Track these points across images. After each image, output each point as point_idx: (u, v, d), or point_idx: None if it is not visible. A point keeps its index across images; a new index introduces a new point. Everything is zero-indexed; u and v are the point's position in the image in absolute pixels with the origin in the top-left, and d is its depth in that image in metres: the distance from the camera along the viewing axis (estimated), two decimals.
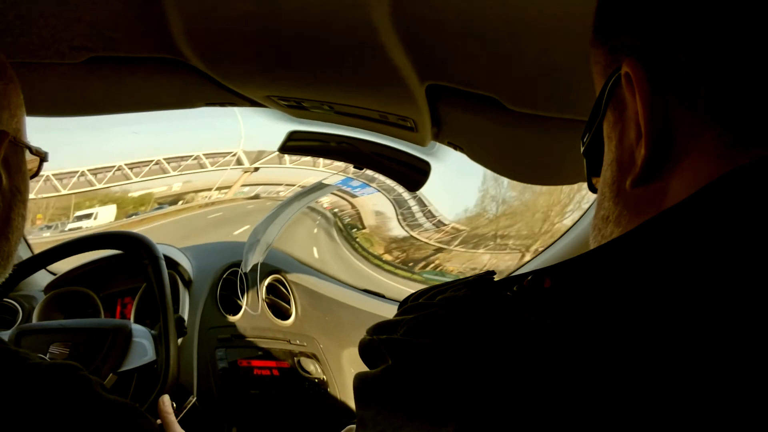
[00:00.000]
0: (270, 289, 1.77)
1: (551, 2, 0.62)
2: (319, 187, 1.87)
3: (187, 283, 1.60)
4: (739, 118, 0.32)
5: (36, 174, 0.65)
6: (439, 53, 0.79)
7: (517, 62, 0.76)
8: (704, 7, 0.32)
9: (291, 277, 1.83)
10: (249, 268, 1.70)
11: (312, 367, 1.61)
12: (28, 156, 0.62)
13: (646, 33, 0.35)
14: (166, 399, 1.05)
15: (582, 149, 0.46)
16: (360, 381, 0.38)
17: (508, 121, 0.95)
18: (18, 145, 0.59)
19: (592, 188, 0.45)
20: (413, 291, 0.50)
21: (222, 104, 1.17)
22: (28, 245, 1.62)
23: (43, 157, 0.65)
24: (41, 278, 1.61)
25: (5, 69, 0.58)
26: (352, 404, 1.61)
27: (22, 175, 0.61)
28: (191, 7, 0.77)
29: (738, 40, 0.32)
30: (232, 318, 1.60)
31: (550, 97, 0.85)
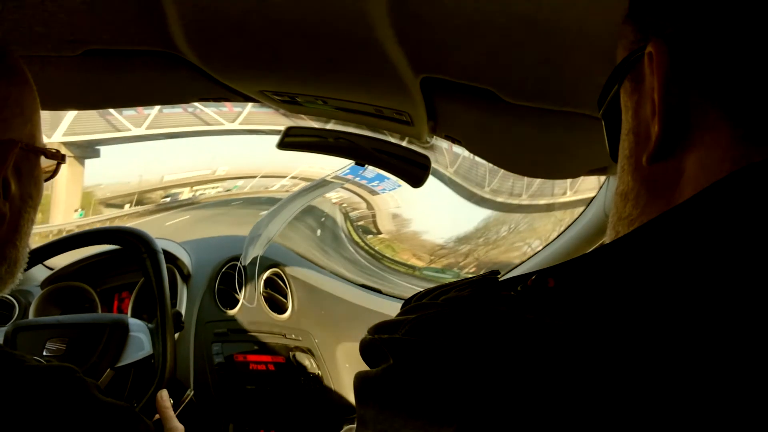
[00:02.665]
0: (268, 283, 1.77)
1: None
2: (325, 183, 1.86)
3: (186, 278, 1.61)
4: (753, 115, 0.32)
5: (53, 176, 0.65)
6: (434, 45, 0.78)
7: (515, 54, 0.76)
8: (732, 7, 0.33)
9: (289, 270, 1.84)
10: (248, 261, 1.70)
11: (307, 362, 1.62)
12: (44, 159, 0.62)
13: (676, 21, 0.36)
14: (164, 393, 1.05)
15: (600, 111, 0.47)
16: (361, 380, 0.38)
17: (506, 114, 0.94)
18: (31, 151, 0.59)
19: (614, 156, 0.45)
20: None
21: (216, 99, 1.16)
22: None
23: (60, 160, 0.64)
24: (38, 273, 1.60)
25: (20, 73, 0.58)
26: (347, 399, 1.63)
27: (34, 180, 0.60)
28: (187, 1, 0.76)
29: (761, 41, 0.32)
30: (229, 312, 1.61)
31: (548, 90, 0.85)
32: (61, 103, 1.14)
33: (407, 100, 0.97)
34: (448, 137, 1.20)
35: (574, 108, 0.87)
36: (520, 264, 1.67)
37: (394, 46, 0.78)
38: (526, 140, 1.11)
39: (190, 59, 0.94)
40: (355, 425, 1.17)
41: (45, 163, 0.62)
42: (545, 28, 0.67)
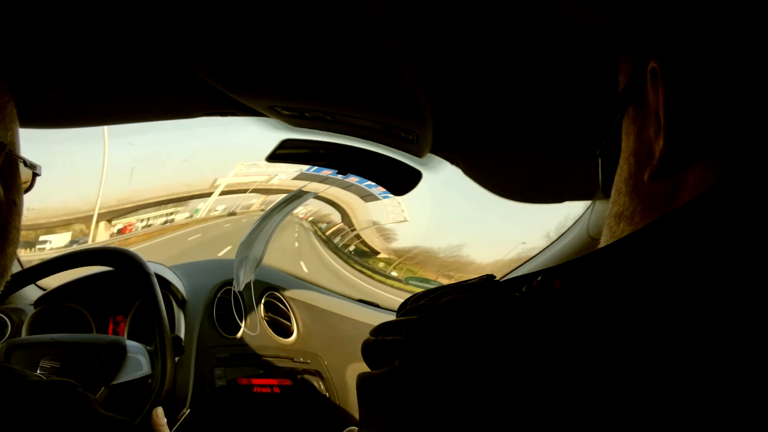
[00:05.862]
0: (268, 306, 1.74)
1: (557, 27, 0.64)
2: (300, 194, 1.85)
3: (181, 303, 1.58)
4: (752, 129, 0.33)
5: (30, 188, 0.65)
6: (448, 73, 0.81)
7: (523, 84, 0.78)
8: (731, 28, 0.34)
9: (287, 293, 1.81)
10: (242, 286, 1.68)
11: (315, 384, 1.59)
12: (22, 169, 0.62)
13: (677, 41, 0.37)
14: (159, 411, 1.03)
15: (599, 148, 0.46)
16: (364, 381, 0.38)
17: (507, 140, 0.97)
18: (13, 158, 0.59)
19: (607, 191, 0.45)
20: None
21: (222, 114, 1.17)
22: (18, 259, 1.59)
23: (36, 170, 0.65)
24: (31, 293, 1.57)
25: None
26: (356, 420, 1.59)
27: (17, 188, 0.61)
28: (196, 17, 0.77)
29: (759, 61, 0.33)
30: (231, 337, 1.58)
31: (553, 118, 0.87)
32: (67, 119, 1.13)
33: (418, 122, 0.99)
34: (447, 158, 1.22)
35: (574, 136, 0.89)
36: (521, 265, 1.67)
37: (409, 71, 0.80)
38: (522, 165, 1.13)
39: (200, 76, 0.95)
40: (353, 428, 1.13)
41: (23, 174, 0.63)
42: (553, 59, 0.70)
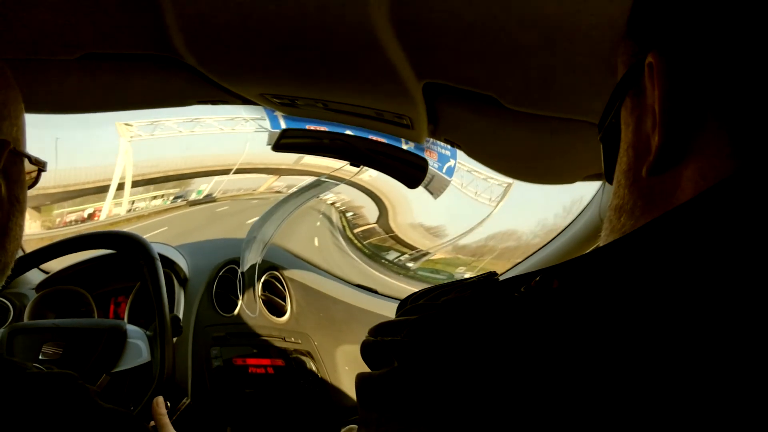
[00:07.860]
0: (266, 285, 1.76)
1: (551, 1, 0.62)
2: (318, 183, 1.85)
3: (183, 282, 1.59)
4: (751, 125, 0.32)
5: (34, 184, 0.64)
6: (437, 52, 0.79)
7: (517, 61, 0.76)
8: (730, 24, 0.33)
9: (287, 273, 1.83)
10: (247, 267, 1.69)
11: (307, 365, 1.61)
12: (27, 165, 0.61)
13: (674, 33, 0.36)
14: (160, 400, 1.05)
15: (599, 135, 0.46)
16: (364, 382, 0.38)
17: (507, 120, 0.95)
18: (17, 155, 0.59)
19: (609, 178, 0.45)
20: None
21: (213, 102, 1.16)
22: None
23: (41, 167, 0.64)
24: (33, 276, 1.59)
25: (6, 76, 0.58)
26: (346, 401, 1.63)
27: (20, 184, 0.60)
28: (186, 4, 0.76)
29: (756, 57, 0.32)
30: (228, 316, 1.60)
31: (549, 97, 0.85)
32: (59, 106, 1.13)
33: (409, 105, 0.98)
34: (447, 141, 1.21)
35: (573, 115, 0.87)
36: (516, 265, 1.67)
37: (398, 52, 0.78)
38: (525, 145, 1.12)
39: (189, 62, 0.94)
40: (352, 426, 1.15)
41: (27, 169, 0.62)
42: (546, 36, 0.68)
